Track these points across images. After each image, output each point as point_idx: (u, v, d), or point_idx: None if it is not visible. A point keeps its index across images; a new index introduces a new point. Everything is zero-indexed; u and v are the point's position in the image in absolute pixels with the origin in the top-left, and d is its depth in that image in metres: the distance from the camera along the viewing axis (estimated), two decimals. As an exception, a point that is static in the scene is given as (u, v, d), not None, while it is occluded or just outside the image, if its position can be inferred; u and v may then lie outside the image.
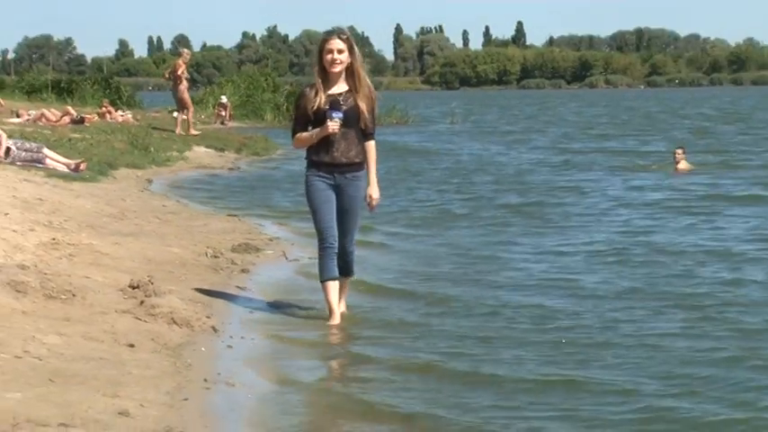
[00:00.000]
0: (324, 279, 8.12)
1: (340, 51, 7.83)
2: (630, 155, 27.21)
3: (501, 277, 10.12)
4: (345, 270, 8.23)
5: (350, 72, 7.90)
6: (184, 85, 28.39)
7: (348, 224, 8.12)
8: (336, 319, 8.08)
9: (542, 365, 6.88)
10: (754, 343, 7.48)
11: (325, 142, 7.90)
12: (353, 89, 7.91)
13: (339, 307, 8.19)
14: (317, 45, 8.13)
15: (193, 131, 28.18)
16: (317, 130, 7.87)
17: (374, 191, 8.11)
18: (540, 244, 12.26)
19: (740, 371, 6.71)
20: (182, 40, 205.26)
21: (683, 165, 21.68)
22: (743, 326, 7.96)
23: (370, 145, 8.07)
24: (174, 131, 28.33)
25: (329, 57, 7.84)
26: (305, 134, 7.98)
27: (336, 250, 8.05)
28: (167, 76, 30.19)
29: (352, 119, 7.86)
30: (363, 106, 7.90)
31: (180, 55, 30.51)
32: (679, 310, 8.50)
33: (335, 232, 8.05)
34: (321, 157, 7.97)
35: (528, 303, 8.82)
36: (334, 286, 8.10)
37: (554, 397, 6.22)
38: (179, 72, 28.57)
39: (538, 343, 7.52)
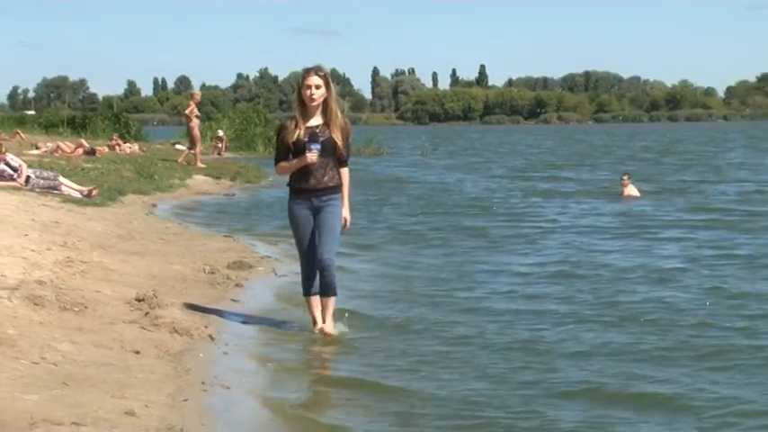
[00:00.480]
0: (305, 294, 8.09)
1: (317, 87, 7.69)
2: (581, 182, 27.29)
3: (466, 296, 9.87)
4: (325, 288, 7.93)
5: (326, 106, 7.77)
6: (194, 122, 28.39)
7: (325, 235, 7.82)
8: (318, 328, 7.99)
9: (502, 382, 6.70)
10: (690, 350, 7.51)
11: (305, 170, 7.76)
12: (328, 122, 7.77)
13: (326, 327, 7.95)
14: (297, 80, 8.02)
15: (200, 164, 28.10)
16: (298, 159, 7.75)
17: (347, 212, 7.97)
18: (499, 263, 12.15)
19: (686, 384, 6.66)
20: (183, 81, 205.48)
21: (629, 189, 21.73)
22: (684, 338, 7.94)
23: (344, 171, 7.93)
24: (176, 161, 28.33)
25: (308, 92, 7.70)
26: (286, 163, 7.85)
27: (314, 266, 7.91)
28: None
29: (328, 149, 7.72)
30: (338, 137, 7.76)
31: (192, 96, 30.49)
32: (630, 324, 8.44)
33: (314, 253, 7.89)
34: (301, 185, 7.84)
35: (490, 321, 8.65)
36: (314, 299, 8.01)
37: (522, 406, 6.12)
38: (187, 111, 28.71)
39: (502, 355, 7.44)
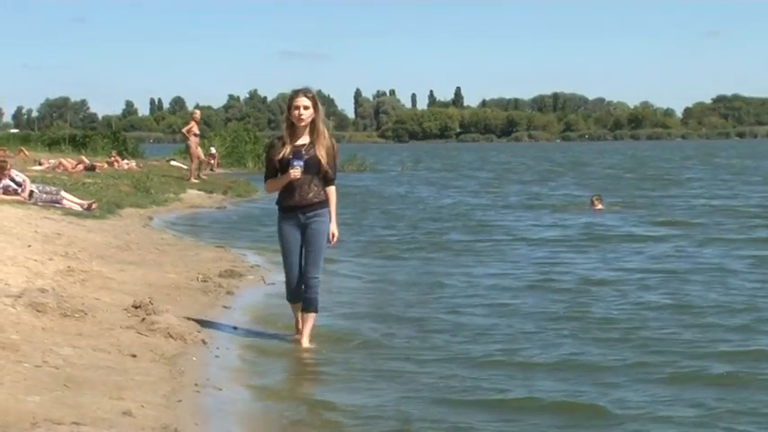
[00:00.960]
0: (288, 300, 8.00)
1: (305, 107, 7.51)
2: (554, 197, 27.34)
3: (439, 308, 9.56)
4: (307, 304, 7.81)
5: (313, 126, 7.58)
6: (192, 140, 28.38)
7: (311, 254, 7.72)
8: (295, 338, 7.94)
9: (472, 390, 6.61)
10: (656, 358, 7.50)
11: (291, 187, 7.60)
12: (315, 141, 7.58)
13: (303, 340, 7.78)
14: (286, 101, 7.82)
15: (193, 180, 28.08)
16: (282, 176, 7.62)
17: (334, 228, 7.75)
18: (472, 275, 11.94)
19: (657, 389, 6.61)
20: (178, 101, 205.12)
21: (599, 207, 21.65)
22: (652, 346, 7.91)
23: (331, 190, 7.73)
24: (171, 176, 28.31)
25: (296, 112, 7.52)
26: (274, 180, 7.73)
27: (298, 280, 7.81)
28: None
29: (312, 167, 7.54)
30: (323, 156, 7.55)
31: (192, 114, 30.56)
32: (598, 332, 8.36)
33: (298, 266, 7.79)
34: (287, 201, 7.68)
35: (461, 333, 8.41)
36: (297, 306, 7.93)
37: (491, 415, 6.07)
38: (184, 130, 28.86)
39: (474, 365, 7.37)
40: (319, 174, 7.63)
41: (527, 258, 13.62)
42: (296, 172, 7.50)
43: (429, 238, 16.23)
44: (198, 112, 31.24)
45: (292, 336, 8.04)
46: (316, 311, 7.84)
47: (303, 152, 7.53)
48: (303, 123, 7.55)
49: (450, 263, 13.14)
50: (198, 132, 29.03)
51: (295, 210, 7.67)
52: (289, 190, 7.65)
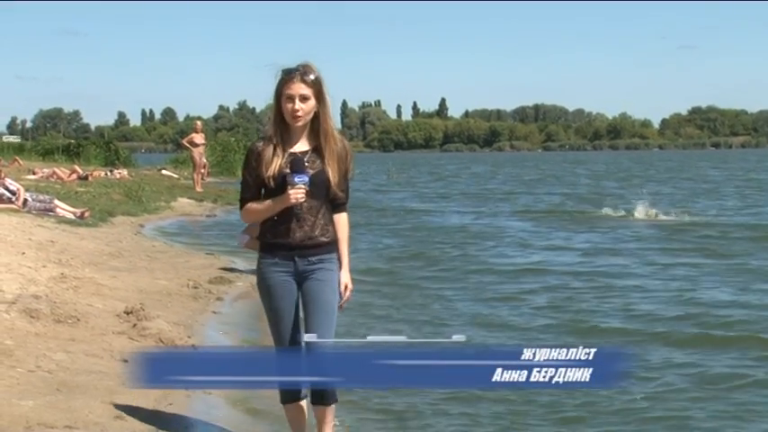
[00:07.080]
0: (284, 400, 4.95)
1: (304, 98, 4.68)
2: (534, 206, 27.33)
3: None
4: (325, 396, 4.84)
5: (317, 125, 4.78)
6: (194, 150, 28.57)
7: (318, 317, 4.76)
8: None
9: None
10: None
11: (284, 217, 4.73)
12: (321, 148, 4.78)
13: None
14: (275, 88, 4.77)
15: (198, 188, 28.19)
16: (275, 200, 4.72)
17: (346, 276, 4.88)
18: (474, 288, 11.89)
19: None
20: (169, 112, 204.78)
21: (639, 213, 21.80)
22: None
23: (342, 218, 4.90)
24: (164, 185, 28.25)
25: (289, 105, 4.69)
26: (257, 205, 4.78)
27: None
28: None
29: (319, 186, 4.73)
30: (333, 170, 4.77)
31: (194, 125, 30.76)
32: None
33: (297, 339, 4.82)
34: (278, 237, 4.77)
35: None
36: (297, 408, 4.96)
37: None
38: (184, 141, 29.14)
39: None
40: (328, 196, 4.83)
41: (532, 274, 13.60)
42: (299, 193, 4.67)
43: (433, 256, 15.91)
44: (199, 123, 31.26)
45: None
46: (336, 400, 4.93)
47: (306, 163, 4.75)
48: (300, 122, 4.75)
49: (436, 275, 12.94)
50: (201, 142, 29.10)
51: (291, 252, 4.79)
52: (282, 221, 4.77)
